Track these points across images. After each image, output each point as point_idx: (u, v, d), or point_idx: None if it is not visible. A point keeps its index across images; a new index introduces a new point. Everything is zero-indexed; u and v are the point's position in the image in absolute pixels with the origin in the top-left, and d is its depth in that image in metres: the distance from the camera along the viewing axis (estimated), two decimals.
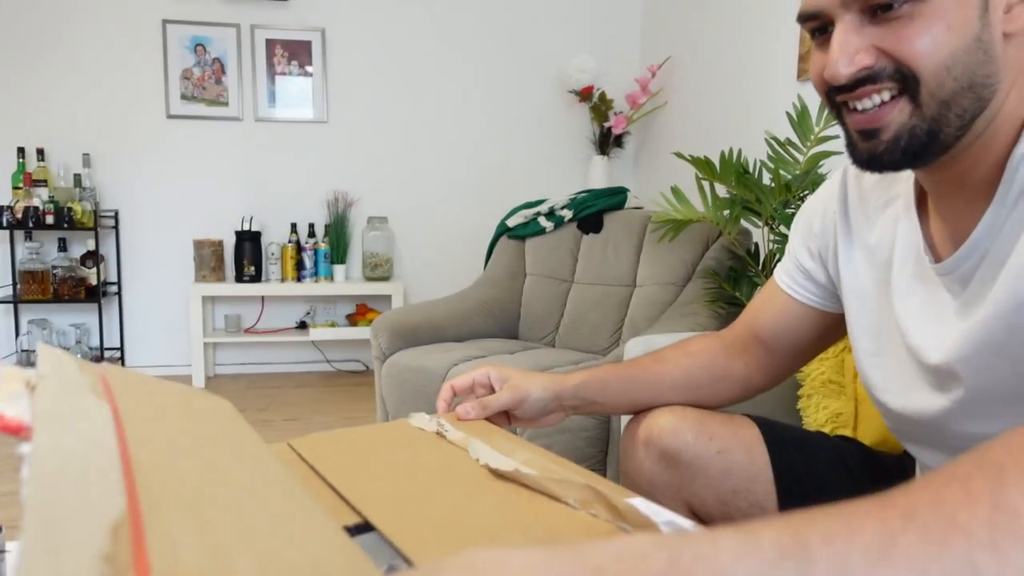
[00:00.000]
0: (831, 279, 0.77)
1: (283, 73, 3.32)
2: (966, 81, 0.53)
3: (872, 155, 0.58)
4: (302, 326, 3.44)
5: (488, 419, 0.78)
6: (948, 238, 0.62)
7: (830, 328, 0.81)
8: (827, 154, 1.78)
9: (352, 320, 3.41)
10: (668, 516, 0.51)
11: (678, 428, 0.78)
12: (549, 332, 2.34)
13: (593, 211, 2.40)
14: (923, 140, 0.56)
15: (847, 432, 1.14)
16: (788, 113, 1.81)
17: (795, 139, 1.82)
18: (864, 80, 0.56)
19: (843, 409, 1.18)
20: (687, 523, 0.51)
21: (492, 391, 0.82)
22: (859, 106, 0.57)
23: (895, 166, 0.58)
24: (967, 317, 0.58)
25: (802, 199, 1.82)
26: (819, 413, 1.20)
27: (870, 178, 0.71)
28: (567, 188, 3.54)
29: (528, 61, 3.51)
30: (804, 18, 0.59)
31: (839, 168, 0.78)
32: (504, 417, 0.81)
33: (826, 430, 1.16)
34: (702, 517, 0.79)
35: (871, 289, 0.70)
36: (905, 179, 0.68)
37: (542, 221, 2.46)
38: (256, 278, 3.25)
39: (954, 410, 0.62)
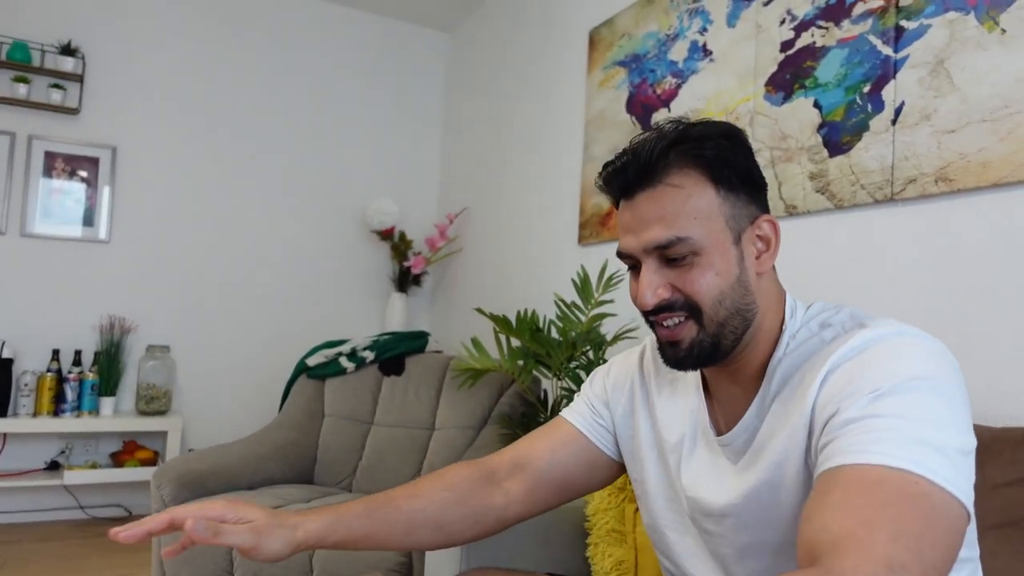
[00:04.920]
0: (615, 431, 0.93)
1: (62, 189, 3.09)
2: (733, 308, 0.75)
3: (676, 359, 0.78)
4: (53, 467, 3.02)
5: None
6: (725, 416, 0.82)
7: (601, 471, 0.95)
8: (604, 316, 2.05)
9: (118, 459, 3.06)
10: None
11: None
12: (346, 476, 2.31)
13: (395, 353, 2.47)
14: (708, 350, 0.76)
15: None
16: (573, 280, 2.07)
17: (579, 302, 2.08)
18: (663, 308, 0.76)
19: (625, 557, 1.32)
20: None
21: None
22: (665, 323, 0.77)
23: (693, 366, 0.79)
24: (742, 476, 0.77)
25: (584, 354, 2.06)
26: (605, 561, 1.34)
27: None
28: (366, 324, 3.60)
29: (330, 199, 3.60)
30: (621, 256, 0.79)
31: (641, 342, 0.97)
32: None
33: None
34: None
35: (670, 444, 0.86)
36: None
37: (343, 361, 2.47)
38: (2, 412, 2.84)
39: (728, 554, 0.78)
